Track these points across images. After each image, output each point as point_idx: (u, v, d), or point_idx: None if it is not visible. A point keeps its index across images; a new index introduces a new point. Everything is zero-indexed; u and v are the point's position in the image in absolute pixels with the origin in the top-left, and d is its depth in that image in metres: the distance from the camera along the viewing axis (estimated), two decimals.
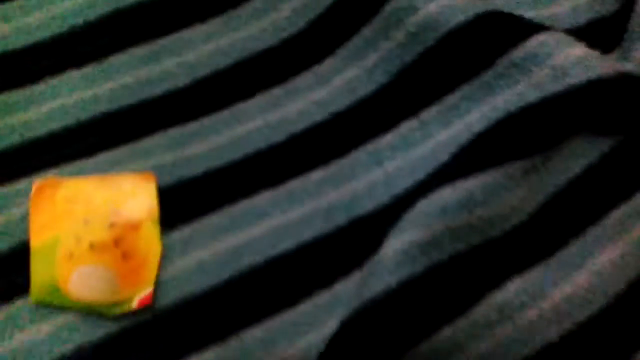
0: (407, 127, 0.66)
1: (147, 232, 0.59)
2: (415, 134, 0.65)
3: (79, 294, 0.57)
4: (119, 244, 0.57)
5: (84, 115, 0.68)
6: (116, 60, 0.71)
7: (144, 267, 0.58)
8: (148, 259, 0.59)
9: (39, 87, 0.69)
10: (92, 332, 0.56)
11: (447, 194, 0.56)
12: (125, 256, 0.57)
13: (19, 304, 0.57)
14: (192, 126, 0.68)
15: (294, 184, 0.64)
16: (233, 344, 0.57)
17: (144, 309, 0.57)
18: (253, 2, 0.75)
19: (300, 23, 0.73)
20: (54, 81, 0.69)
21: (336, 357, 0.54)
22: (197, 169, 0.65)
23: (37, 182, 0.62)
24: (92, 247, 0.57)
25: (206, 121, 0.68)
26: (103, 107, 0.68)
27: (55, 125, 0.66)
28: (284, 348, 0.57)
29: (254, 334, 0.57)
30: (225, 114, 0.69)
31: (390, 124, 0.67)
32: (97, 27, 0.73)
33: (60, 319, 0.57)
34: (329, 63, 0.71)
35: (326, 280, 0.60)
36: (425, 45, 0.67)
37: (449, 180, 0.58)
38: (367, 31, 0.70)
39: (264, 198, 0.64)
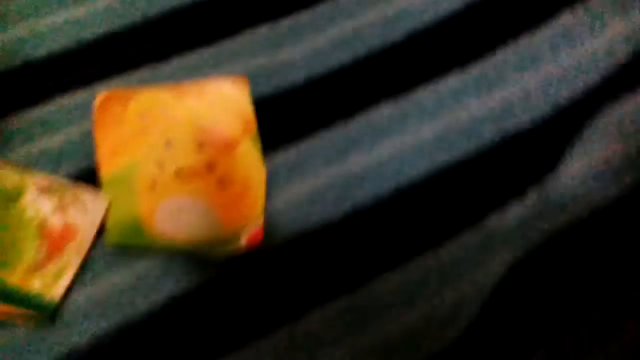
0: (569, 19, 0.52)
1: (245, 152, 0.46)
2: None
3: (168, 231, 0.45)
4: (212, 169, 0.45)
5: (151, 11, 0.54)
6: None
7: (245, 196, 0.46)
8: (250, 186, 0.46)
9: None
10: (185, 280, 0.45)
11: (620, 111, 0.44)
12: (222, 183, 0.45)
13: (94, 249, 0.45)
14: (286, 24, 0.54)
15: (423, 94, 0.51)
16: (362, 294, 0.45)
17: (255, 247, 0.45)
18: None
19: None
20: None
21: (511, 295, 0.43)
22: (297, 75, 0.52)
23: (102, 94, 0.49)
24: (179, 174, 0.44)
25: (304, 17, 0.54)
26: (174, 1, 0.54)
27: (115, 23, 0.53)
28: (426, 302, 0.45)
29: (386, 287, 0.45)
30: (325, 8, 0.55)
31: (549, 14, 0.53)
32: None
33: (143, 264, 0.45)
34: None
35: (474, 216, 0.47)
36: None
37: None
38: None
39: (385, 111, 0.51)
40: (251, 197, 0.46)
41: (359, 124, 0.50)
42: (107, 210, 0.46)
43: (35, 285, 0.44)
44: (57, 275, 0.44)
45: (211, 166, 0.45)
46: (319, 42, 0.54)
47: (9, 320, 0.43)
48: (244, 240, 0.45)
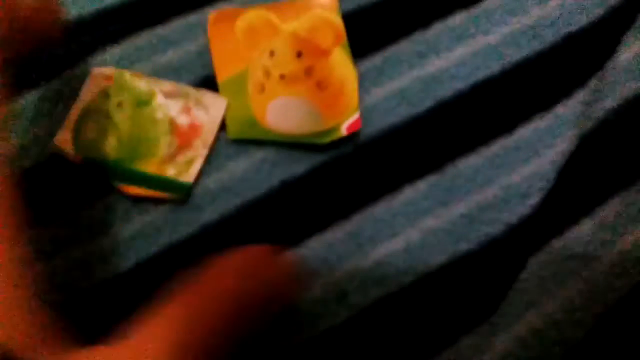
0: None
1: (338, 58, 0.53)
2: None
3: (279, 126, 0.53)
4: (311, 73, 0.52)
5: None
6: None
7: (342, 94, 0.53)
8: (345, 86, 0.53)
9: None
10: (295, 166, 0.52)
11: None
12: (320, 85, 0.52)
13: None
14: None
15: (493, 1, 0.57)
16: (448, 171, 0.52)
17: (354, 134, 0.52)
18: None
19: None
20: None
21: (577, 173, 0.49)
22: None
23: (213, 13, 0.56)
24: (282, 78, 0.52)
25: None
26: None
27: None
28: (507, 175, 0.52)
29: (469, 163, 0.52)
30: None
31: None
32: None
33: (260, 154, 0.53)
34: None
35: (544, 104, 0.54)
36: None
37: None
38: None
39: (459, 18, 0.57)
40: (346, 95, 0.53)
41: (436, 31, 0.57)
42: (226, 110, 0.54)
43: (170, 172, 0.52)
44: (188, 164, 0.52)
45: (309, 71, 0.52)
46: None
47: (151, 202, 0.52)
48: (344, 130, 0.52)
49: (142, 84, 0.54)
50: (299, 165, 0.53)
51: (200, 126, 0.53)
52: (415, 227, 0.51)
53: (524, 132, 0.53)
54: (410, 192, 0.52)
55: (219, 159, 0.53)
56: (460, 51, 0.56)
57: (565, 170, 0.51)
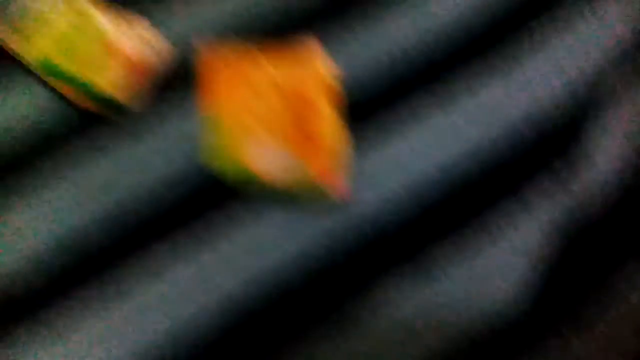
0: None
1: (324, 108, 0.54)
2: None
3: (261, 171, 0.52)
4: (297, 122, 0.52)
5: None
6: None
7: (328, 150, 0.53)
8: (332, 143, 0.53)
9: None
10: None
11: None
12: (306, 135, 0.52)
13: None
14: None
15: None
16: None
17: (341, 201, 0.53)
18: None
19: None
20: None
21: None
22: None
23: (206, 49, 0.56)
24: (265, 121, 0.52)
25: None
26: None
27: None
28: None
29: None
30: None
31: None
32: None
33: None
34: None
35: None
36: None
37: None
38: None
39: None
40: (333, 152, 0.54)
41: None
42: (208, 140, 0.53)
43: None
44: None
45: (296, 119, 0.52)
46: None
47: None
48: (330, 188, 0.53)
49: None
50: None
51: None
52: None
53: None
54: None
55: None
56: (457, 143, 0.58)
57: None
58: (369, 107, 0.58)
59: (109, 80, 0.53)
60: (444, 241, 0.52)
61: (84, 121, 0.56)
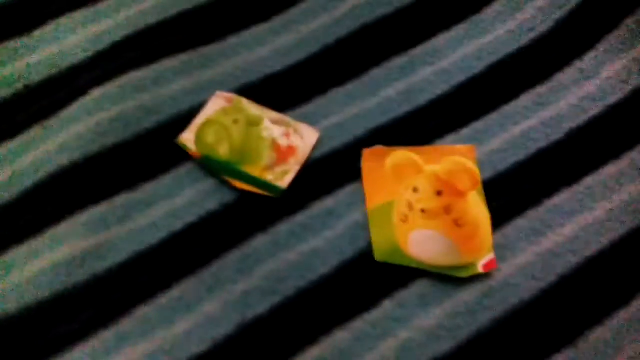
0: None
1: (473, 201, 0.58)
2: None
3: (419, 255, 0.57)
4: (449, 211, 0.57)
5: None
6: None
7: (477, 233, 0.57)
8: (480, 226, 0.57)
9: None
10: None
11: None
12: (457, 223, 0.57)
13: None
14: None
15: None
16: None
17: (489, 272, 0.56)
18: (494, 5, 0.72)
19: (549, 22, 0.70)
20: None
21: None
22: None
23: (367, 150, 0.62)
24: (424, 213, 0.57)
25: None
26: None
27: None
28: None
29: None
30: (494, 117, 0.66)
31: None
32: None
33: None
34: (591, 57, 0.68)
35: None
36: None
37: None
38: (630, 22, 0.68)
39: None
40: (481, 235, 0.58)
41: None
42: (373, 234, 0.59)
43: (269, 177, 0.61)
44: (283, 174, 0.62)
45: (448, 209, 0.57)
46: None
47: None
48: (480, 267, 0.56)
49: (254, 109, 0.65)
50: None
51: (295, 148, 0.63)
52: None
53: None
54: None
55: None
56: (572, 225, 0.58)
57: None
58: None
59: (263, 165, 0.62)
60: None
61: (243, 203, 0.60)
